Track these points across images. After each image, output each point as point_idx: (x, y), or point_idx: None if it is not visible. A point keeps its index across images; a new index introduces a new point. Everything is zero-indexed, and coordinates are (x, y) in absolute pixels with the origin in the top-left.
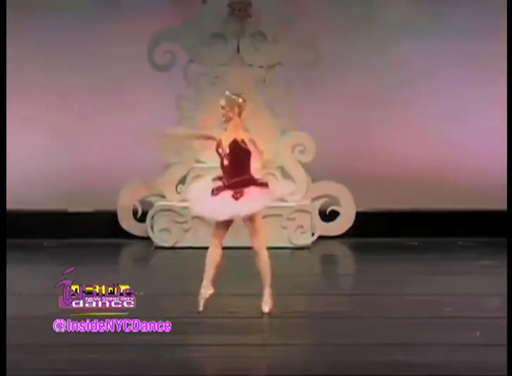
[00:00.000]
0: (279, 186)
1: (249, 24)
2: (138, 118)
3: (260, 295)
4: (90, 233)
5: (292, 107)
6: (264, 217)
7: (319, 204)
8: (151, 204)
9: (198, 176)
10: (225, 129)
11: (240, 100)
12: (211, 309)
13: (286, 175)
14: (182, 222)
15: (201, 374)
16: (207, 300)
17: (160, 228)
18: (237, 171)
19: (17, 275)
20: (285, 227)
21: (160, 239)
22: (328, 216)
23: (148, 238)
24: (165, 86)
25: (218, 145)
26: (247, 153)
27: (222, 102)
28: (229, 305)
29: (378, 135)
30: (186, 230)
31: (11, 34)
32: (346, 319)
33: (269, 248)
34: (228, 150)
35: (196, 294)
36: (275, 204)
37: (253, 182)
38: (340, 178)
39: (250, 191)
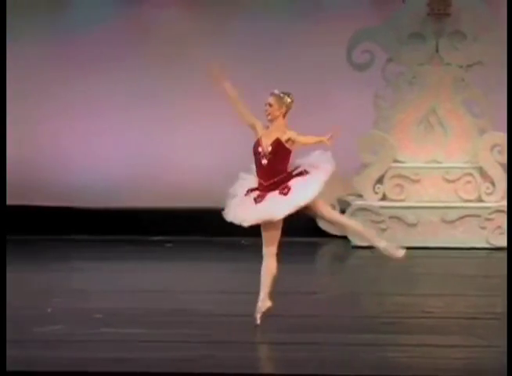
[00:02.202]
0: (322, 167)
1: (448, 23)
2: (335, 117)
3: (458, 296)
4: (288, 232)
5: (491, 107)
6: (462, 217)
7: None
8: (348, 203)
9: (395, 176)
10: (267, 128)
11: (289, 100)
12: (408, 309)
13: (484, 175)
14: (379, 222)
15: (396, 375)
16: (400, 300)
17: None
18: (275, 171)
19: (218, 273)
20: (483, 228)
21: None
22: None
23: (345, 237)
24: (363, 86)
25: (258, 143)
26: (288, 153)
27: (270, 100)
28: (426, 305)
29: None
30: (383, 230)
31: (200, 35)
32: None
33: (467, 249)
34: (270, 149)
35: (391, 294)
36: (474, 204)
37: (291, 176)
38: None
39: (295, 182)
